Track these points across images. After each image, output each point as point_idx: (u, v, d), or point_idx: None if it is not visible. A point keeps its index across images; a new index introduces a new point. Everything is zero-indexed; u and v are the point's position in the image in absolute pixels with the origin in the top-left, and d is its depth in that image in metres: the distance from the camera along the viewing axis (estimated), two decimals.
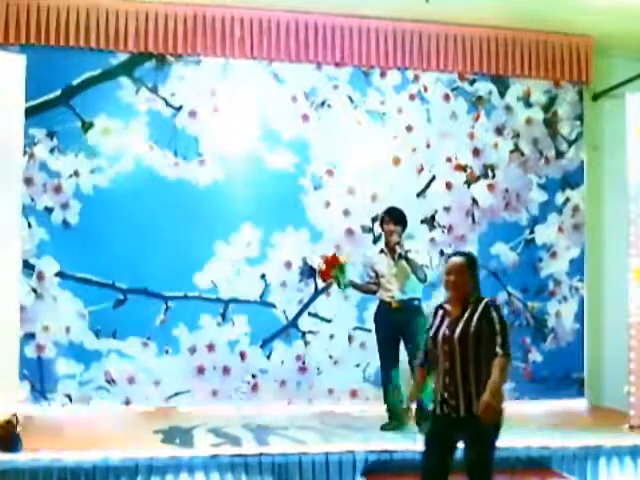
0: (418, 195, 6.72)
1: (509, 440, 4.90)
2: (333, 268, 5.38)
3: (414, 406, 4.17)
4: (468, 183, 6.84)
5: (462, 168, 6.83)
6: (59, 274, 6.10)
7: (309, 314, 6.50)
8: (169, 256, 6.20)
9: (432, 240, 6.59)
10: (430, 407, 3.74)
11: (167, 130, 6.37)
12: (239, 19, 6.37)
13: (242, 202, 6.44)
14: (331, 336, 6.51)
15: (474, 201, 6.84)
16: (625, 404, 5.66)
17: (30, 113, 5.80)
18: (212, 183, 6.41)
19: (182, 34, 6.28)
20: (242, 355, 6.36)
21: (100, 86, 6.27)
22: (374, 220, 6.58)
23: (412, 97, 6.78)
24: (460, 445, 3.57)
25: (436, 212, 6.74)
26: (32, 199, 6.08)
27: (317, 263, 5.75)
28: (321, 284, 6.48)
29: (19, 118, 5.08)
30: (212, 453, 4.54)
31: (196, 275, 6.31)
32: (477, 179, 6.86)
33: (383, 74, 6.73)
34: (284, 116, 6.54)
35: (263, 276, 6.44)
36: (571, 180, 7.02)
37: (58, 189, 6.17)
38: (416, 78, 6.78)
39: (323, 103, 6.63)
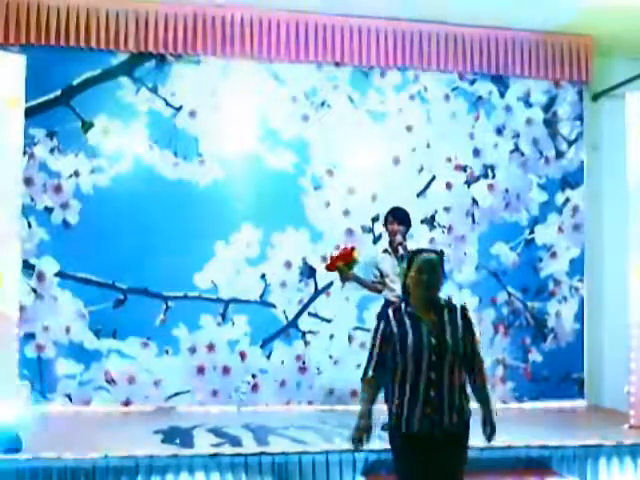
0: (418, 195, 6.72)
1: (509, 440, 4.93)
2: (342, 260, 5.32)
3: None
4: (468, 183, 6.84)
5: (462, 168, 6.83)
6: (59, 274, 6.11)
7: (309, 314, 6.50)
8: (169, 256, 6.20)
9: (432, 240, 6.58)
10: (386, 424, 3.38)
11: (167, 130, 6.37)
12: (239, 19, 6.38)
13: (242, 202, 6.45)
14: (331, 336, 6.51)
15: (474, 201, 6.84)
16: (625, 404, 5.66)
17: (30, 113, 5.81)
18: (212, 183, 6.41)
19: (182, 34, 6.29)
20: (242, 355, 6.36)
21: (100, 86, 6.28)
22: (374, 220, 6.59)
23: (412, 97, 6.78)
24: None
25: (436, 212, 6.74)
26: (32, 199, 6.09)
27: (332, 251, 5.66)
28: (321, 284, 6.50)
29: (19, 118, 5.07)
30: (212, 453, 4.54)
31: (196, 275, 6.31)
32: (477, 179, 6.86)
33: (383, 74, 6.73)
34: (284, 116, 6.54)
35: (263, 276, 6.45)
36: (571, 180, 7.02)
37: (58, 189, 6.17)
38: (416, 78, 6.79)
39: (323, 103, 6.63)
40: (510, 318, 6.84)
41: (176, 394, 6.23)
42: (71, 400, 6.06)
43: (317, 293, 6.52)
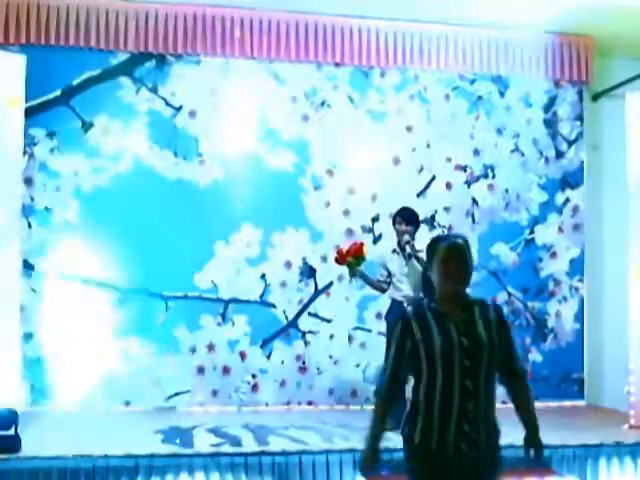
0: (418, 195, 6.72)
1: (509, 440, 4.93)
2: (353, 255, 5.31)
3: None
4: (468, 183, 6.84)
5: (462, 168, 6.83)
6: (59, 274, 6.10)
7: (309, 314, 6.50)
8: (169, 256, 6.21)
9: None
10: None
11: (167, 130, 6.37)
12: (239, 19, 6.37)
13: (242, 202, 6.44)
14: (331, 336, 6.51)
15: (474, 201, 6.84)
16: (625, 404, 5.66)
17: (30, 113, 5.81)
18: (212, 183, 6.41)
19: (182, 34, 6.28)
20: (242, 355, 6.36)
21: (100, 86, 6.27)
22: (374, 220, 6.60)
23: (412, 97, 6.78)
24: None
25: (436, 212, 6.74)
26: (32, 199, 6.08)
27: (343, 246, 5.62)
28: (321, 284, 6.50)
29: (19, 118, 5.07)
30: (212, 453, 4.54)
31: (196, 275, 6.31)
32: (477, 179, 6.86)
33: (383, 74, 6.73)
34: (284, 116, 6.54)
35: (263, 276, 6.44)
36: (571, 180, 7.02)
37: (58, 189, 6.17)
38: (416, 78, 6.78)
39: (323, 103, 6.63)
40: (510, 318, 6.83)
41: (176, 394, 6.23)
42: (71, 400, 6.05)
43: (317, 293, 6.52)
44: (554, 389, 6.80)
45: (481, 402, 2.72)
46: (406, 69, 6.74)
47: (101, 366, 6.12)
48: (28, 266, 5.98)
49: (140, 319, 6.20)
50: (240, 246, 6.41)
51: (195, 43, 6.33)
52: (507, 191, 6.91)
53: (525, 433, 3.04)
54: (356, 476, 4.58)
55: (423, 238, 6.31)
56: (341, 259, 5.33)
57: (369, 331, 6.52)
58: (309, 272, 6.51)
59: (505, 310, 6.65)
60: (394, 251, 5.48)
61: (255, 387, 6.35)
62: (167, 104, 6.38)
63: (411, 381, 2.85)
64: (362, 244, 5.36)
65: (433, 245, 2.89)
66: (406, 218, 5.41)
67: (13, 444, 4.42)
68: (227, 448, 4.69)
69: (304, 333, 6.48)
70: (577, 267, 6.97)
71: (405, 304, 5.38)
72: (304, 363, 6.45)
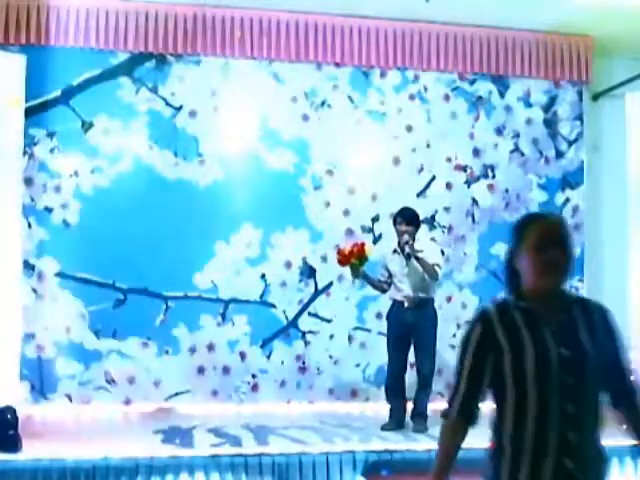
0: (418, 195, 6.72)
1: None
2: (356, 257, 5.30)
3: None
4: (468, 183, 6.84)
5: (462, 168, 6.83)
6: (59, 274, 6.10)
7: (309, 314, 6.50)
8: (169, 256, 6.20)
9: (432, 240, 6.57)
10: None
11: (167, 130, 6.36)
12: (239, 19, 6.37)
13: (242, 202, 6.44)
14: (331, 336, 6.51)
15: (474, 201, 6.84)
16: None
17: (30, 113, 5.81)
18: (212, 183, 6.41)
19: (182, 34, 6.28)
20: (242, 355, 6.36)
21: (100, 86, 6.27)
22: (374, 220, 6.60)
23: (412, 97, 6.78)
24: None
25: (436, 212, 6.74)
26: (32, 199, 6.07)
27: (343, 246, 5.61)
28: (321, 284, 6.51)
29: (19, 118, 5.08)
30: (212, 453, 4.54)
31: (196, 275, 6.31)
32: (477, 179, 6.86)
33: (383, 74, 6.73)
34: (284, 116, 6.54)
35: (263, 276, 6.44)
36: (571, 180, 7.02)
37: (58, 189, 6.16)
38: (416, 78, 6.78)
39: (323, 103, 6.63)
40: None
41: (176, 394, 6.23)
42: (71, 400, 6.05)
43: (317, 293, 6.52)
44: None
45: (587, 431, 2.15)
46: (406, 69, 6.74)
47: (101, 366, 6.12)
48: (28, 266, 5.98)
49: (140, 319, 6.20)
50: (240, 246, 6.41)
51: (195, 43, 6.32)
52: (507, 191, 6.91)
53: None
54: (356, 476, 4.59)
55: (423, 238, 6.44)
56: (344, 260, 5.32)
57: (369, 331, 6.53)
58: (309, 272, 6.51)
59: None
60: (394, 251, 5.49)
61: (255, 387, 6.35)
62: (167, 104, 6.38)
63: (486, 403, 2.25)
64: (363, 244, 5.36)
65: (522, 226, 2.25)
66: (407, 218, 5.41)
67: (13, 444, 4.42)
68: (227, 448, 4.69)
69: (304, 333, 6.48)
70: (577, 267, 6.96)
71: (406, 304, 5.39)
72: (304, 363, 6.45)
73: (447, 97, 6.84)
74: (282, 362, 6.41)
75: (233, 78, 6.49)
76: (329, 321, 6.52)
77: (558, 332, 2.13)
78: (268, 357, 6.40)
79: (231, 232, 6.39)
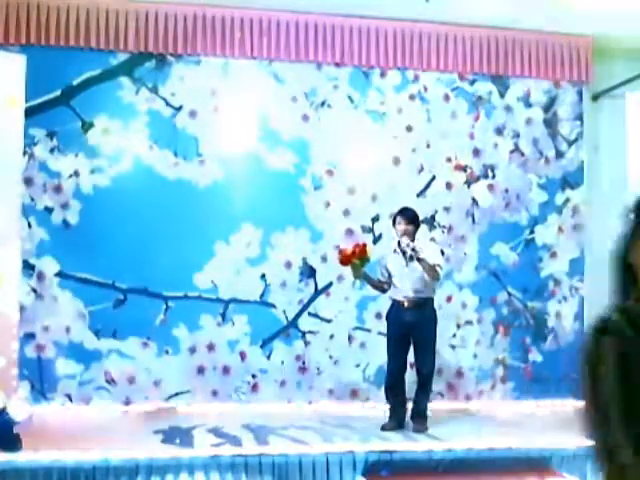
0: (418, 195, 6.72)
1: (509, 440, 4.94)
2: (358, 257, 5.27)
3: None
4: (468, 183, 6.84)
5: (462, 168, 6.83)
6: (59, 274, 6.10)
7: (309, 314, 6.50)
8: (169, 256, 6.20)
9: (432, 240, 6.58)
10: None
11: (167, 130, 6.37)
12: (239, 19, 6.38)
13: (242, 202, 6.45)
14: (331, 336, 6.51)
15: (474, 201, 6.84)
16: None
17: (30, 113, 5.81)
18: (212, 183, 6.41)
19: (182, 34, 6.28)
20: (242, 355, 6.36)
21: (100, 86, 6.27)
22: (374, 220, 6.60)
23: (412, 97, 6.78)
24: None
25: (436, 212, 6.74)
26: (32, 199, 6.08)
27: (344, 246, 5.60)
28: (321, 284, 6.51)
29: (19, 118, 5.08)
30: (212, 453, 4.54)
31: (196, 275, 6.31)
32: (477, 179, 6.86)
33: (383, 74, 6.73)
34: (284, 116, 6.54)
35: (263, 276, 6.44)
36: (571, 180, 7.02)
37: (58, 189, 6.17)
38: (416, 78, 6.78)
39: (323, 103, 6.63)
40: (510, 318, 6.84)
41: (176, 394, 6.23)
42: (71, 400, 6.05)
43: (317, 293, 6.52)
44: (554, 389, 6.79)
45: None
46: (406, 69, 6.74)
47: (101, 366, 6.12)
48: (28, 266, 5.98)
49: (140, 319, 6.20)
50: (240, 246, 6.41)
51: (195, 43, 6.32)
52: (507, 191, 6.91)
53: None
54: (356, 476, 4.59)
55: (423, 238, 6.45)
56: (345, 260, 5.32)
57: (369, 331, 6.53)
58: (309, 272, 6.51)
59: (505, 310, 6.80)
60: (394, 251, 5.48)
61: (255, 387, 6.35)
62: (167, 104, 6.38)
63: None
64: (365, 245, 5.35)
65: None
66: (407, 217, 5.42)
67: (13, 444, 4.42)
68: (227, 448, 4.70)
69: (304, 333, 6.48)
70: (577, 267, 6.97)
71: (405, 304, 5.38)
72: (304, 363, 6.45)
73: (447, 97, 6.84)
74: (282, 362, 6.41)
75: (233, 78, 6.49)
76: (329, 321, 6.52)
77: None
78: (268, 357, 6.41)
79: (231, 232, 6.39)
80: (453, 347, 6.70)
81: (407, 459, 4.65)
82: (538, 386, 6.80)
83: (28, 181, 6.02)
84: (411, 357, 5.50)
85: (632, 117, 5.67)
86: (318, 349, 6.47)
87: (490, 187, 6.87)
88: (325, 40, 6.53)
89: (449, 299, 6.67)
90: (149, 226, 6.20)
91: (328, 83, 6.64)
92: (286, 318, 6.46)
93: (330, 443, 4.87)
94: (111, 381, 6.13)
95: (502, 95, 6.95)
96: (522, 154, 6.95)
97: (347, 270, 5.50)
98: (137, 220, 6.19)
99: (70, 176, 6.19)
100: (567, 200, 7.00)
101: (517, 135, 6.95)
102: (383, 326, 5.66)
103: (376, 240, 6.52)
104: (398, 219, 5.43)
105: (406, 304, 5.38)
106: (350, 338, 6.53)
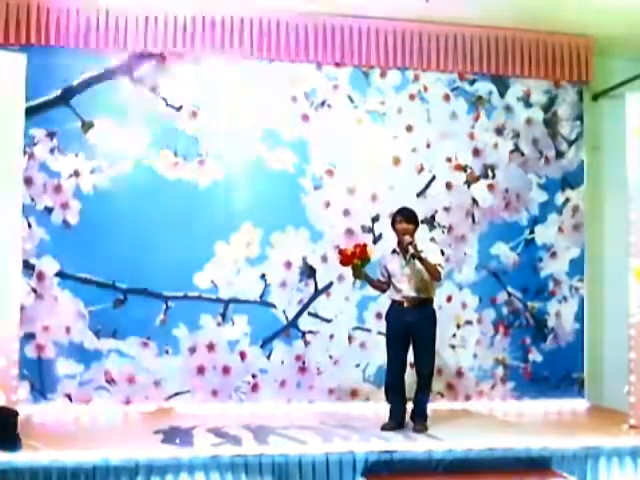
0: (418, 195, 6.72)
1: (509, 440, 4.93)
2: (358, 257, 5.26)
3: None
4: (468, 183, 6.84)
5: (462, 168, 6.83)
6: (59, 274, 6.10)
7: (309, 314, 6.50)
8: (169, 256, 6.21)
9: (432, 240, 6.58)
10: None
11: (167, 130, 6.37)
12: (239, 19, 6.38)
13: (242, 202, 6.44)
14: (331, 336, 6.51)
15: (474, 201, 6.84)
16: (625, 404, 5.66)
17: (30, 113, 5.80)
18: (212, 183, 6.41)
19: (182, 34, 6.29)
20: (242, 355, 6.36)
21: (100, 86, 6.27)
22: (374, 220, 6.60)
23: (412, 97, 6.78)
24: None
25: (436, 212, 6.74)
26: (32, 199, 6.08)
27: (344, 246, 5.59)
28: (321, 284, 6.50)
29: (19, 118, 5.07)
30: (212, 453, 4.53)
31: (196, 275, 6.31)
32: (477, 179, 6.86)
33: (383, 74, 6.73)
34: (284, 116, 6.54)
35: (263, 276, 6.44)
36: (571, 180, 7.02)
37: (58, 189, 6.17)
38: (416, 78, 6.78)
39: (323, 103, 6.63)
40: (510, 318, 6.84)
41: (176, 394, 6.23)
42: (71, 400, 6.05)
43: (317, 293, 6.52)
44: (554, 389, 6.80)
45: None
46: (406, 69, 6.74)
47: (101, 366, 6.12)
48: (28, 266, 5.98)
49: (140, 319, 6.20)
50: (240, 246, 6.41)
51: (195, 43, 6.33)
52: (507, 191, 6.91)
53: None
54: (356, 476, 4.58)
55: (423, 238, 6.45)
56: (346, 261, 5.32)
57: (369, 331, 6.53)
58: (309, 272, 6.51)
59: (505, 310, 6.80)
60: (394, 251, 5.48)
61: (255, 387, 6.35)
62: (167, 104, 6.38)
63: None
64: (365, 245, 5.35)
65: None
66: (406, 217, 5.41)
67: (13, 444, 4.42)
68: (227, 448, 4.69)
69: (304, 333, 6.48)
70: (577, 267, 6.97)
71: (405, 304, 5.38)
72: (304, 363, 6.45)
73: (447, 97, 6.85)
74: (282, 362, 6.41)
75: (233, 78, 6.49)
76: (329, 321, 6.52)
77: None
78: (268, 357, 6.41)
79: (231, 232, 6.39)
80: (453, 347, 6.70)
81: (407, 459, 4.64)
82: (538, 386, 6.80)
83: (28, 181, 6.03)
84: (411, 357, 5.50)
85: (632, 117, 5.65)
86: (318, 349, 6.47)
87: (490, 187, 6.88)
88: (325, 40, 6.53)
89: (449, 299, 6.67)
90: (149, 226, 6.20)
91: (328, 83, 6.64)
92: (286, 318, 6.46)
93: (330, 443, 4.86)
94: (111, 381, 6.13)
95: (502, 95, 6.95)
96: (522, 154, 6.95)
97: (347, 270, 5.50)
98: (137, 220, 6.19)
99: (70, 176, 6.19)
100: (567, 200, 7.00)
101: (517, 135, 6.95)
102: (383, 326, 5.65)
103: (376, 240, 6.52)
104: (398, 218, 5.42)
105: (406, 304, 5.38)
106: (350, 338, 6.53)
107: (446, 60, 6.74)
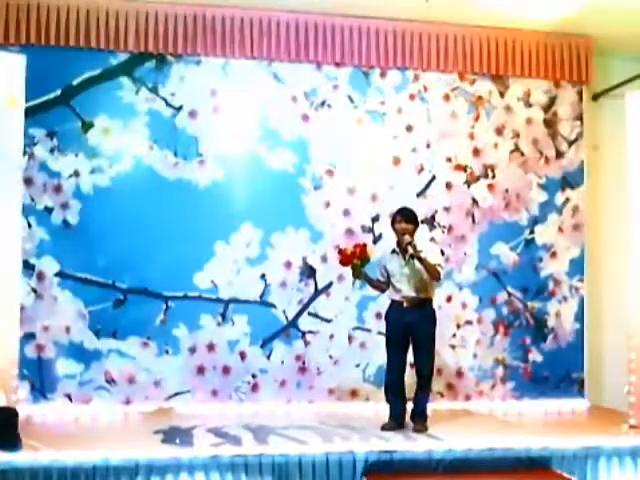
0: (418, 195, 6.72)
1: (509, 440, 4.93)
2: (358, 257, 5.26)
3: None
4: (468, 183, 6.84)
5: (462, 168, 6.83)
6: (59, 274, 6.10)
7: (309, 314, 6.50)
8: (169, 256, 6.21)
9: (432, 240, 6.58)
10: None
11: (167, 130, 6.37)
12: (239, 19, 6.38)
13: (242, 202, 6.45)
14: (331, 336, 6.51)
15: (474, 201, 6.84)
16: (625, 404, 5.66)
17: (30, 113, 5.80)
18: (212, 183, 6.41)
19: (182, 34, 6.29)
20: (242, 355, 6.36)
21: (100, 86, 6.27)
22: (374, 220, 6.60)
23: (412, 97, 6.78)
24: None
25: (436, 212, 6.74)
26: (32, 199, 6.08)
27: (344, 246, 5.57)
28: (321, 284, 6.51)
29: (19, 118, 5.07)
30: (212, 453, 4.53)
31: (196, 275, 6.31)
32: (477, 179, 6.86)
33: (383, 74, 6.73)
34: (284, 116, 6.54)
35: (263, 276, 6.44)
36: (571, 180, 7.02)
37: (58, 189, 6.17)
38: (416, 78, 6.79)
39: (323, 103, 6.63)
40: (510, 318, 6.84)
41: (176, 394, 6.23)
42: (71, 400, 6.05)
43: (317, 293, 6.52)
44: (554, 389, 6.80)
45: None
46: (406, 69, 6.75)
47: (101, 366, 6.12)
48: (28, 266, 5.98)
49: (140, 319, 6.20)
50: (240, 246, 6.41)
51: (195, 43, 6.33)
52: (507, 191, 6.91)
53: None
54: (356, 476, 4.58)
55: (423, 238, 6.45)
56: (346, 260, 5.31)
57: (369, 331, 6.53)
58: (309, 272, 6.51)
59: (505, 310, 6.80)
60: (393, 251, 5.48)
61: (255, 387, 6.35)
62: (167, 104, 6.38)
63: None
64: (365, 245, 5.34)
65: None
66: (405, 216, 5.41)
67: (13, 444, 4.42)
68: (227, 448, 4.69)
69: (304, 333, 6.48)
70: (577, 267, 6.97)
71: (404, 304, 5.38)
72: (304, 363, 6.45)
73: (447, 97, 6.85)
74: (282, 362, 6.41)
75: (233, 78, 6.50)
76: (329, 321, 6.52)
77: None
78: (268, 357, 6.41)
79: (231, 232, 6.39)
80: (453, 347, 6.70)
81: (407, 459, 4.64)
82: (538, 386, 6.80)
83: (28, 181, 6.03)
84: (411, 357, 5.49)
85: (632, 117, 5.65)
86: (318, 349, 6.47)
87: (490, 187, 6.88)
88: (325, 40, 6.53)
89: (449, 299, 6.67)
90: (149, 226, 6.20)
91: (328, 83, 6.64)
92: (286, 318, 6.46)
93: (330, 443, 4.86)
94: (111, 381, 6.13)
95: (502, 95, 6.95)
96: (522, 154, 6.95)
97: (347, 270, 5.49)
98: (137, 220, 6.19)
99: (70, 176, 6.20)
100: (567, 200, 7.00)
101: (517, 135, 6.95)
102: (383, 326, 5.65)
103: (376, 240, 6.52)
104: (398, 218, 5.42)
105: (405, 304, 5.37)
106: (350, 338, 6.53)
107: (446, 60, 6.74)
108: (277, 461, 4.53)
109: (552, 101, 7.05)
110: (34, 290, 6.06)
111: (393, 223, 5.46)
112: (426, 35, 6.69)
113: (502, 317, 6.81)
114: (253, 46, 6.41)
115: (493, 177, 6.89)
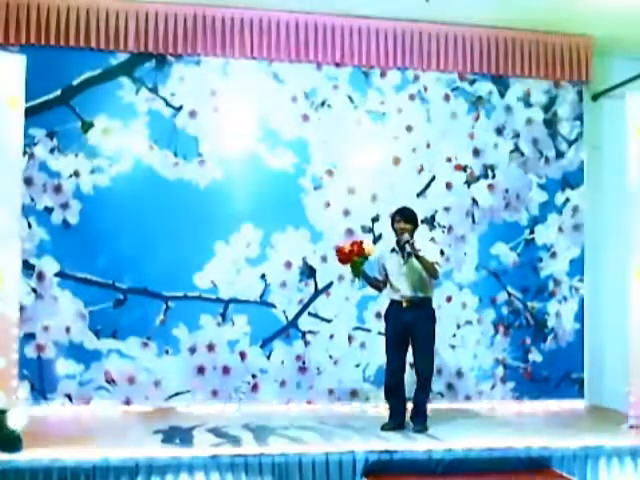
0: (418, 195, 6.72)
1: (509, 440, 4.93)
2: (357, 254, 5.25)
3: None
4: (468, 183, 6.84)
5: (462, 168, 6.83)
6: (59, 274, 6.10)
7: (309, 314, 6.50)
8: (169, 256, 6.21)
9: (432, 240, 6.57)
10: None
11: (167, 130, 6.37)
12: (239, 19, 6.38)
13: (242, 202, 6.45)
14: (331, 336, 6.51)
15: (474, 201, 6.84)
16: (625, 404, 5.66)
17: (30, 113, 5.80)
18: (212, 183, 6.41)
19: (182, 34, 6.29)
20: (242, 355, 6.36)
21: (100, 86, 6.27)
22: (374, 220, 6.60)
23: (412, 97, 6.78)
24: None
25: (436, 212, 6.74)
26: (32, 199, 6.08)
27: (343, 244, 5.54)
28: (321, 284, 6.51)
29: (19, 118, 5.07)
30: (212, 453, 4.54)
31: (196, 275, 6.31)
32: (477, 179, 6.86)
33: (383, 74, 6.73)
34: (284, 116, 6.54)
35: (263, 276, 6.44)
36: (571, 180, 7.02)
37: (58, 189, 6.17)
38: (416, 78, 6.79)
39: (323, 103, 6.63)
40: (510, 318, 6.84)
41: (176, 394, 6.23)
42: (71, 400, 6.06)
43: (317, 293, 6.52)
44: (554, 389, 6.80)
45: None
46: (406, 69, 6.75)
47: (101, 366, 6.12)
48: (28, 266, 5.98)
49: (140, 319, 6.20)
50: (240, 246, 6.41)
51: (195, 43, 6.33)
52: (507, 191, 6.91)
53: None
54: (356, 476, 4.58)
55: (423, 238, 6.45)
56: (345, 258, 5.31)
57: (369, 331, 6.53)
58: (309, 272, 6.51)
59: (505, 310, 6.80)
60: (393, 250, 5.48)
61: (255, 387, 6.35)
62: (167, 104, 6.38)
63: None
64: (362, 242, 5.33)
65: None
66: (405, 216, 5.42)
67: (13, 444, 4.42)
68: (227, 448, 4.69)
69: (304, 333, 6.48)
70: (577, 267, 6.97)
71: (404, 304, 5.38)
72: (304, 363, 6.45)
73: (447, 97, 6.85)
74: (282, 362, 6.41)
75: (233, 78, 6.50)
76: (329, 321, 6.52)
77: None
78: (268, 357, 6.41)
79: (231, 232, 6.39)
80: (453, 347, 6.70)
81: (407, 459, 4.65)
82: (538, 386, 6.80)
83: (28, 181, 6.03)
84: (410, 357, 5.49)
85: (632, 117, 5.65)
86: (318, 349, 6.47)
87: (490, 187, 6.88)
88: (325, 40, 6.53)
89: (449, 299, 6.67)
90: (149, 226, 6.21)
91: (328, 83, 6.64)
92: (286, 318, 6.46)
93: (330, 443, 4.86)
94: (111, 381, 6.13)
95: (502, 95, 6.95)
96: (522, 154, 6.96)
97: (347, 270, 5.50)
98: (137, 220, 6.20)
99: (70, 176, 6.19)
100: (567, 200, 7.00)
101: (517, 135, 6.95)
102: (383, 326, 5.66)
103: (376, 240, 6.52)
104: (397, 217, 5.43)
105: (404, 304, 5.38)
106: (350, 338, 6.54)
107: (446, 60, 6.74)
108: (277, 461, 4.53)
109: (552, 101, 7.05)
110: (34, 290, 6.06)
111: (392, 223, 5.47)
112: (426, 35, 6.69)
113: (502, 317, 6.81)
114: (253, 46, 6.41)
115: (493, 177, 6.89)
